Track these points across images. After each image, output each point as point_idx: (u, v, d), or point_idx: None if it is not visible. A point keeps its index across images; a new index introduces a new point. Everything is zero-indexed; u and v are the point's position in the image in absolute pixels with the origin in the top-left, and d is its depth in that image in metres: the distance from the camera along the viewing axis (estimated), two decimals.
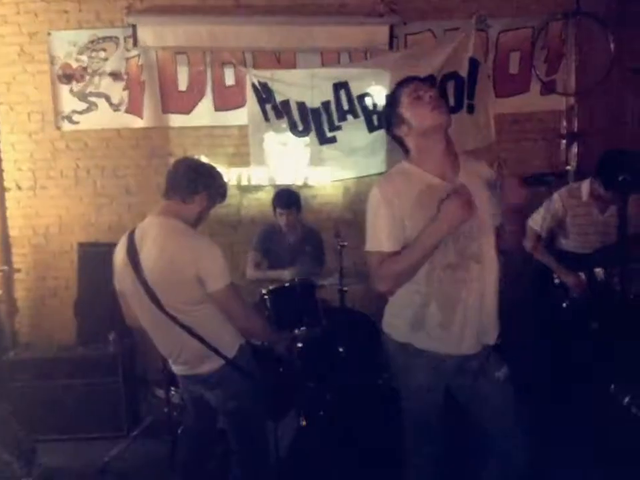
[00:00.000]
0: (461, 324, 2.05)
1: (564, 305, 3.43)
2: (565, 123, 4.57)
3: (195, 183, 2.37)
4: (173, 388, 3.37)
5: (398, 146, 3.60)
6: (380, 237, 2.03)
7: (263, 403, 2.50)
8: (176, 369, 2.51)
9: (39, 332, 4.43)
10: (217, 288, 2.27)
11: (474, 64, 4.24)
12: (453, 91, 4.23)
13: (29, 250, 4.45)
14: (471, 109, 4.27)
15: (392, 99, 2.11)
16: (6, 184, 4.45)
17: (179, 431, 3.23)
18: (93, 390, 3.71)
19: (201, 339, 2.32)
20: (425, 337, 2.07)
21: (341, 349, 3.37)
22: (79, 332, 4.12)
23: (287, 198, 3.92)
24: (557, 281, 3.48)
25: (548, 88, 4.52)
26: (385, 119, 2.20)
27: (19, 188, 4.44)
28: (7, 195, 4.44)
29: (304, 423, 3.14)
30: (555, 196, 3.46)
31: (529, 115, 4.56)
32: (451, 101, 4.22)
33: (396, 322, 2.15)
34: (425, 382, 2.09)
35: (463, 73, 4.23)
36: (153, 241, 2.29)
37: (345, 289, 3.60)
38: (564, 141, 4.56)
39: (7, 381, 3.61)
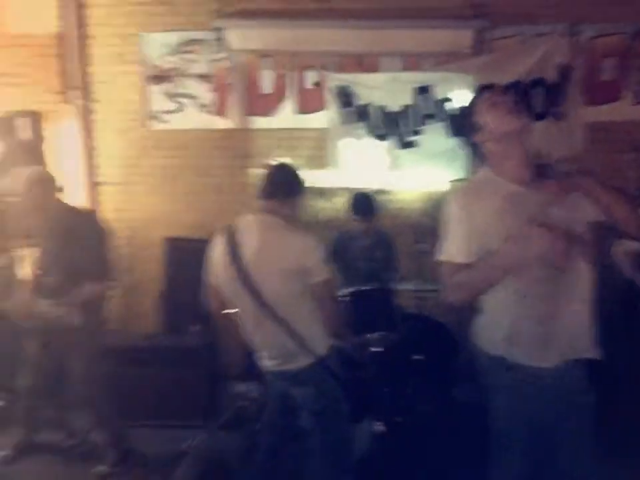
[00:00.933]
0: (554, 337, 2.00)
1: None
2: None
3: (292, 187, 2.49)
4: (252, 383, 3.49)
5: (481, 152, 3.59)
6: (453, 246, 2.02)
7: (345, 404, 2.55)
8: (264, 363, 2.58)
9: (126, 321, 4.67)
10: (320, 279, 2.36)
11: (563, 70, 4.12)
12: (540, 98, 4.14)
13: (118, 243, 4.70)
14: (558, 117, 4.16)
15: (470, 106, 2.09)
16: (98, 179, 4.71)
17: (257, 426, 3.36)
18: (175, 379, 3.87)
19: (295, 335, 2.38)
20: (519, 351, 2.03)
21: (416, 357, 3.39)
22: (163, 323, 4.33)
23: (364, 205, 3.95)
24: None
25: None
26: (464, 126, 2.18)
27: (111, 183, 4.68)
28: (100, 190, 4.70)
29: (381, 428, 3.17)
30: None
31: (619, 124, 4.41)
32: (538, 108, 4.13)
33: (488, 334, 2.12)
34: (518, 399, 2.08)
35: (551, 79, 4.13)
36: (254, 235, 2.39)
37: (424, 295, 3.60)
38: None
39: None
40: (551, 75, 4.13)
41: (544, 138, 4.18)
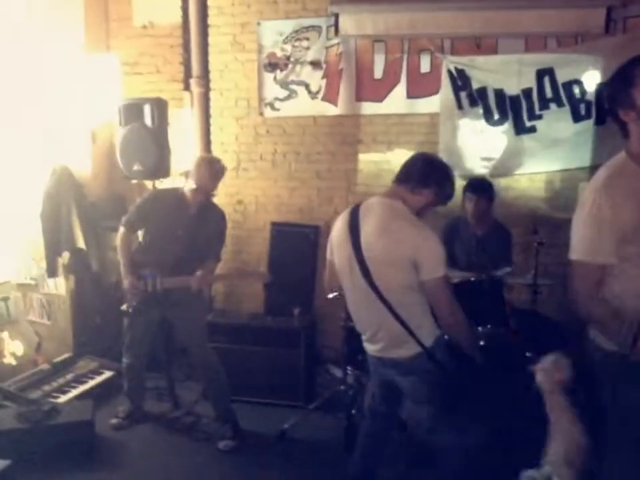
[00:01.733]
0: None
1: None
2: None
3: (428, 177, 2.41)
4: (349, 368, 3.46)
5: (607, 139, 3.31)
6: (585, 245, 1.85)
7: (452, 398, 2.46)
8: (370, 348, 2.55)
9: (232, 300, 4.81)
10: (432, 277, 2.29)
11: None
12: None
13: (228, 225, 4.85)
14: None
15: (623, 76, 1.87)
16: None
17: (354, 411, 3.32)
18: (276, 359, 3.94)
19: (402, 323, 2.34)
20: None
21: (527, 354, 3.18)
22: (266, 304, 4.42)
23: (480, 184, 3.78)
24: None
25: None
26: (610, 98, 1.95)
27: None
28: None
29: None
30: None
31: None
32: None
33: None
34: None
35: None
36: (377, 218, 2.37)
37: (539, 290, 3.38)
38: None
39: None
40: None
41: None
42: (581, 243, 1.87)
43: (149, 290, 3.33)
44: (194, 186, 3.36)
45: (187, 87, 4.82)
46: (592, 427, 2.00)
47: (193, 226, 3.39)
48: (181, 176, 4.19)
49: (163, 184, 4.07)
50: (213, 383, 3.55)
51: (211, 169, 3.39)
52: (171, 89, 4.80)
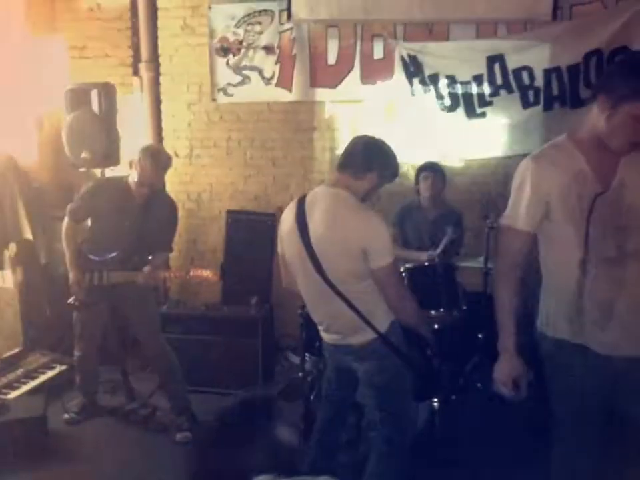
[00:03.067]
0: (617, 325, 1.90)
1: None
2: None
3: (370, 161, 2.39)
4: (307, 354, 3.47)
5: (555, 124, 3.42)
6: (516, 212, 1.98)
7: (409, 381, 2.49)
8: (327, 337, 2.56)
9: (188, 290, 4.75)
10: (380, 265, 2.30)
11: None
12: None
13: (182, 214, 4.77)
14: None
15: (629, 80, 1.82)
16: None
17: (312, 397, 3.34)
18: (233, 348, 3.93)
19: (357, 311, 2.35)
20: (582, 334, 1.93)
21: (480, 335, 3.26)
22: (223, 293, 4.39)
23: (433, 163, 3.87)
24: None
25: None
26: (603, 83, 1.94)
27: (177, 155, 4.74)
28: None
29: (436, 404, 3.08)
30: None
31: None
32: None
33: (551, 317, 2.03)
34: (581, 384, 1.95)
35: (636, 47, 3.83)
36: (323, 209, 2.35)
37: (490, 273, 3.45)
38: None
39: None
40: (635, 44, 3.83)
41: None
42: (508, 209, 2.01)
43: (95, 284, 3.26)
44: (137, 178, 3.27)
45: (136, 72, 4.70)
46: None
47: (139, 217, 3.31)
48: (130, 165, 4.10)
49: (112, 172, 3.96)
50: (167, 375, 3.51)
51: (155, 161, 3.28)
52: (120, 73, 4.67)
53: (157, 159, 3.30)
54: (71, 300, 3.38)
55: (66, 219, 3.39)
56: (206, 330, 3.97)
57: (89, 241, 3.44)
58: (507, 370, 2.00)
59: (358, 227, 2.29)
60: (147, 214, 3.32)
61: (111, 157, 3.92)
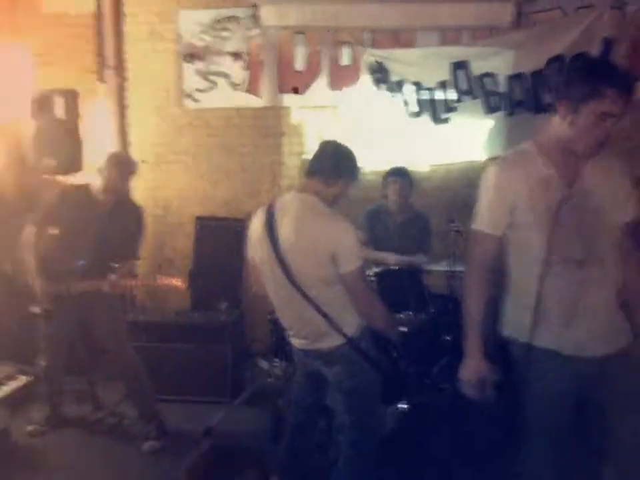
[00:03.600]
0: (583, 326, 1.95)
1: None
2: None
3: (339, 168, 2.42)
4: (276, 360, 3.47)
5: (518, 129, 3.51)
6: (483, 217, 2.05)
7: (378, 385, 2.50)
8: (296, 342, 2.56)
9: (156, 297, 4.70)
10: (349, 269, 2.31)
11: (608, 44, 3.93)
12: None
13: (150, 220, 4.71)
14: None
15: (589, 81, 1.87)
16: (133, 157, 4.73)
17: (279, 402, 3.34)
18: (202, 355, 3.89)
19: (326, 316, 2.35)
20: (547, 337, 1.97)
21: (447, 337, 3.30)
22: (192, 300, 4.35)
23: (400, 168, 3.91)
24: None
25: None
26: (562, 87, 1.96)
27: (143, 162, 4.68)
28: None
29: (406, 407, 3.10)
30: None
31: None
32: None
33: (515, 320, 2.07)
34: (548, 385, 1.98)
35: (595, 53, 3.94)
36: (292, 215, 2.36)
37: (456, 276, 3.50)
38: None
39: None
40: (594, 50, 3.94)
41: None
42: (476, 213, 2.08)
43: (62, 293, 3.21)
44: (102, 186, 3.23)
45: (101, 78, 4.65)
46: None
47: (105, 225, 3.25)
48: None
49: (76, 179, 3.91)
50: (134, 383, 3.47)
51: (120, 169, 3.24)
52: (85, 80, 4.59)
53: (122, 166, 3.27)
54: (36, 309, 3.31)
55: (29, 227, 3.32)
56: (175, 337, 3.93)
57: (54, 249, 3.37)
58: (472, 370, 2.03)
59: (326, 232, 2.31)
60: (112, 221, 3.28)
61: (74, 164, 3.88)
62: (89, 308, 3.32)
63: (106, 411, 3.76)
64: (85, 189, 3.35)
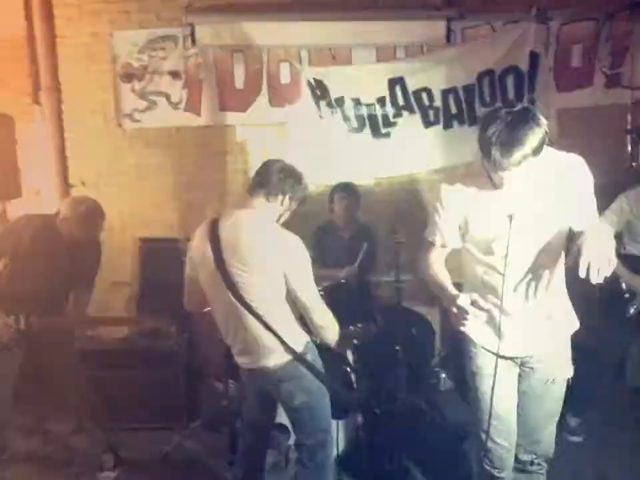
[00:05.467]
0: (510, 328, 2.09)
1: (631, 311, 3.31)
2: (630, 118, 4.42)
3: (283, 184, 2.44)
4: (231, 381, 3.45)
5: (455, 142, 3.65)
6: (434, 229, 2.17)
7: (328, 399, 2.53)
8: (241, 361, 2.55)
9: (102, 323, 4.59)
10: (301, 286, 2.34)
11: (535, 57, 4.16)
12: (513, 85, 4.15)
13: None
14: (531, 103, 4.15)
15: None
16: (71, 180, 4.62)
17: (237, 424, 3.33)
18: (153, 381, 3.81)
19: (273, 332, 2.36)
20: (493, 339, 2.13)
21: (397, 348, 3.37)
22: (139, 325, 4.26)
23: (347, 184, 3.99)
24: (623, 285, 3.35)
25: (613, 81, 4.38)
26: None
27: (83, 184, 4.59)
28: (72, 191, 4.61)
29: (360, 420, 3.15)
30: (622, 197, 3.32)
31: (592, 109, 4.42)
32: (511, 95, 4.15)
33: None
34: (491, 387, 2.08)
35: (523, 66, 4.15)
36: (236, 231, 2.36)
37: (402, 286, 3.58)
38: (630, 137, 4.41)
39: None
40: (523, 63, 4.14)
41: None
42: (428, 227, 2.21)
43: (19, 328, 3.09)
44: (63, 230, 3.11)
45: (36, 101, 4.53)
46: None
47: (65, 259, 3.14)
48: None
49: (14, 205, 3.79)
50: (86, 412, 3.37)
51: (86, 224, 3.11)
52: (19, 103, 4.47)
53: (89, 221, 3.13)
54: None
55: None
56: (123, 364, 3.84)
57: (8, 280, 3.20)
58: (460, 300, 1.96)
59: (276, 249, 2.32)
60: (73, 256, 3.15)
61: (11, 190, 3.75)
62: (40, 343, 3.16)
63: (57, 443, 3.65)
64: (46, 219, 3.19)
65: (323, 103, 4.29)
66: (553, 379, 2.20)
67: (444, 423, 3.35)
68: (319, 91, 4.28)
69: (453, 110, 4.23)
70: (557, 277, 2.14)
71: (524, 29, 4.12)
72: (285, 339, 2.39)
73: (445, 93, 4.20)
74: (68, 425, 3.74)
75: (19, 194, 3.81)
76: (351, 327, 3.25)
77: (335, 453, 2.73)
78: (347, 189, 3.95)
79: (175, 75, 4.49)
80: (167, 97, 4.52)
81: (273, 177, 2.45)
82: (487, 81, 4.20)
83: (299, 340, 2.45)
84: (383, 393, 3.38)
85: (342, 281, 3.57)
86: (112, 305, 4.63)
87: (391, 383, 3.42)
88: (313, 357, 2.48)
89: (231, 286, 2.35)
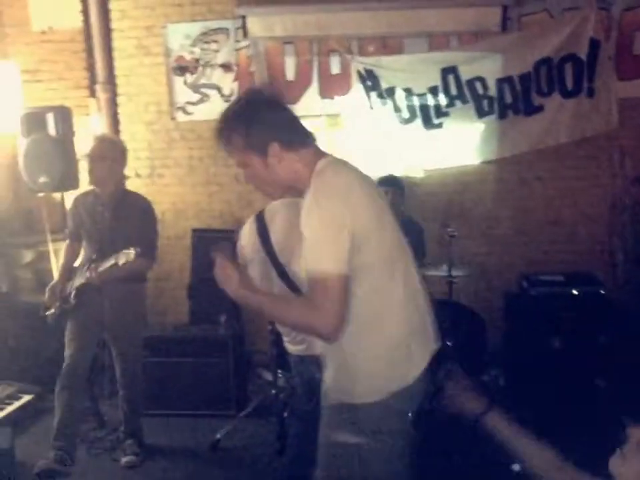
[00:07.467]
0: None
1: None
2: None
3: None
4: (280, 371, 3.48)
5: (510, 132, 3.53)
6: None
7: None
8: (292, 348, 2.54)
9: (155, 312, 4.70)
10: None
11: (594, 44, 3.98)
12: (572, 74, 4.01)
13: None
14: (590, 93, 4.02)
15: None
16: (127, 172, 4.73)
17: (285, 414, 3.35)
18: (204, 369, 3.88)
19: None
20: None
21: (448, 342, 3.31)
22: (191, 313, 4.35)
23: (388, 177, 3.92)
24: None
25: None
26: None
27: (138, 175, 4.70)
28: (127, 182, 4.71)
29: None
30: None
31: None
32: (570, 84, 4.01)
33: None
34: None
35: (583, 54, 3.99)
36: (283, 219, 2.35)
37: (454, 280, 3.52)
38: None
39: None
40: (582, 51, 3.99)
41: (576, 115, 4.06)
42: None
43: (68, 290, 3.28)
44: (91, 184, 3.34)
45: (92, 94, 4.65)
46: None
47: (108, 220, 3.30)
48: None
49: (72, 196, 3.90)
50: (133, 397, 3.45)
51: (96, 159, 3.28)
52: (76, 96, 4.61)
53: (97, 155, 3.28)
54: (51, 311, 3.36)
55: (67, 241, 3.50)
56: (176, 352, 3.92)
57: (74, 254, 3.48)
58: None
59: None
60: (115, 218, 3.30)
61: (69, 180, 3.87)
62: (104, 309, 3.32)
63: (109, 428, 3.75)
64: (91, 190, 3.42)
65: (373, 94, 4.25)
66: None
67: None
68: (370, 81, 4.24)
69: (508, 99, 4.11)
70: None
71: (584, 15, 3.97)
72: None
73: (500, 82, 4.09)
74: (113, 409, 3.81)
75: (76, 185, 3.92)
76: None
77: None
78: (390, 182, 3.88)
79: (226, 67, 4.53)
80: (219, 89, 4.56)
81: None
82: (544, 69, 4.07)
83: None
84: (431, 389, 3.33)
85: None
86: (164, 291, 4.74)
87: (440, 378, 3.36)
88: None
89: (284, 276, 2.36)
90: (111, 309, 3.35)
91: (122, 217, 3.31)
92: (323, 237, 1.70)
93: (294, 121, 1.83)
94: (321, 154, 1.84)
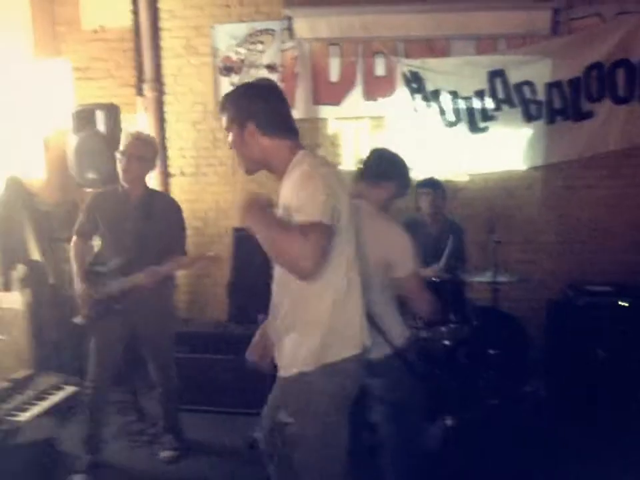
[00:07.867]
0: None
1: None
2: None
3: (386, 171, 2.48)
4: None
5: (558, 138, 3.46)
6: None
7: (422, 398, 2.50)
8: None
9: (195, 308, 4.76)
10: (407, 273, 2.36)
11: None
12: (624, 79, 3.92)
13: (189, 232, 4.78)
14: None
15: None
16: (171, 170, 4.81)
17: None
18: (243, 367, 3.89)
19: (374, 324, 2.33)
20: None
21: (491, 351, 3.27)
22: (230, 311, 4.39)
23: (431, 180, 3.88)
24: None
25: None
26: None
27: (183, 174, 4.78)
28: (172, 180, 4.80)
29: (450, 423, 3.08)
30: None
31: None
32: (621, 90, 3.92)
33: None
34: None
35: (635, 59, 3.90)
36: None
37: (498, 287, 3.47)
38: None
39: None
40: (634, 56, 3.89)
41: (627, 122, 3.95)
42: None
43: (99, 296, 3.16)
44: (122, 181, 3.19)
45: (140, 92, 4.73)
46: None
47: (138, 219, 3.18)
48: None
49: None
50: (170, 393, 3.46)
51: (130, 155, 3.14)
52: (124, 94, 4.70)
53: (135, 154, 3.15)
54: (78, 319, 3.27)
55: (74, 237, 3.32)
56: (215, 348, 3.96)
57: (98, 255, 3.36)
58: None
59: (379, 236, 2.32)
60: (145, 216, 3.19)
61: (116, 176, 3.94)
62: (134, 310, 3.22)
63: (148, 421, 3.80)
64: (115, 188, 3.30)
65: (418, 96, 4.24)
66: None
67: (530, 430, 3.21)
68: (415, 83, 4.22)
69: (557, 104, 4.04)
70: None
71: (637, 20, 3.87)
72: (385, 333, 2.37)
73: (549, 87, 4.02)
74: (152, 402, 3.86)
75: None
76: (442, 328, 3.21)
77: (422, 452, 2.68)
78: (431, 185, 3.84)
79: (271, 68, 4.56)
80: None
81: (378, 164, 2.49)
82: (595, 74, 3.99)
83: (401, 334, 2.43)
84: (474, 398, 3.29)
85: (432, 279, 3.49)
86: (204, 289, 4.79)
87: (481, 387, 3.32)
88: (411, 353, 2.45)
89: None
90: (141, 308, 3.25)
91: (152, 217, 3.21)
92: (320, 195, 1.78)
93: (279, 114, 1.97)
94: (299, 147, 1.98)
